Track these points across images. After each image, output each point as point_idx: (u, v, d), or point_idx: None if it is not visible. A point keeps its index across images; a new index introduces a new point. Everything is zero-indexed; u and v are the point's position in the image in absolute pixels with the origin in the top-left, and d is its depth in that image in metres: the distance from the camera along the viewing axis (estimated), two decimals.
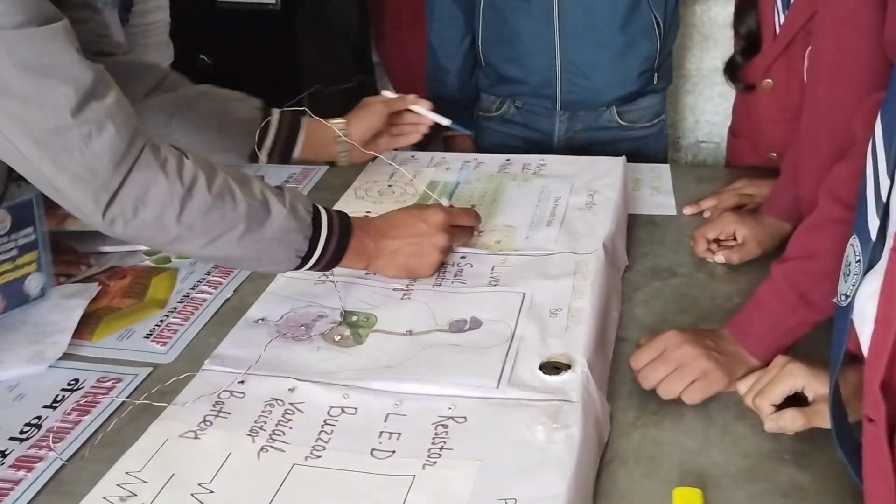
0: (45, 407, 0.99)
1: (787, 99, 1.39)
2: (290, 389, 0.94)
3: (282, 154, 1.34)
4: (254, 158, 1.33)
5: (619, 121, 1.76)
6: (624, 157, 1.49)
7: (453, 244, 1.18)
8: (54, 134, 0.85)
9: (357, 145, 1.40)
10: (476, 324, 1.05)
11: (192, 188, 0.92)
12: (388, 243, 1.12)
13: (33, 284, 1.12)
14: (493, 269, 1.18)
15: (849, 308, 0.75)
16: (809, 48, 1.12)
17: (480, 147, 1.83)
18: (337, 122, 1.39)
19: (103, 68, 0.90)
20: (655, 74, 1.76)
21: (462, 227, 1.20)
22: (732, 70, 1.52)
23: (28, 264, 1.11)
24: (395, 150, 1.55)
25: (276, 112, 1.35)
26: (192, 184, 0.92)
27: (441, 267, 1.17)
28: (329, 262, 1.06)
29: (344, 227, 1.06)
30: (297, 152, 1.35)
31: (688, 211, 1.40)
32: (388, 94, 1.46)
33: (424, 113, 1.45)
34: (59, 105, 0.85)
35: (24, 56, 0.83)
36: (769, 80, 1.45)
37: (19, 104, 0.84)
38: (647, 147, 1.80)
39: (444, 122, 1.48)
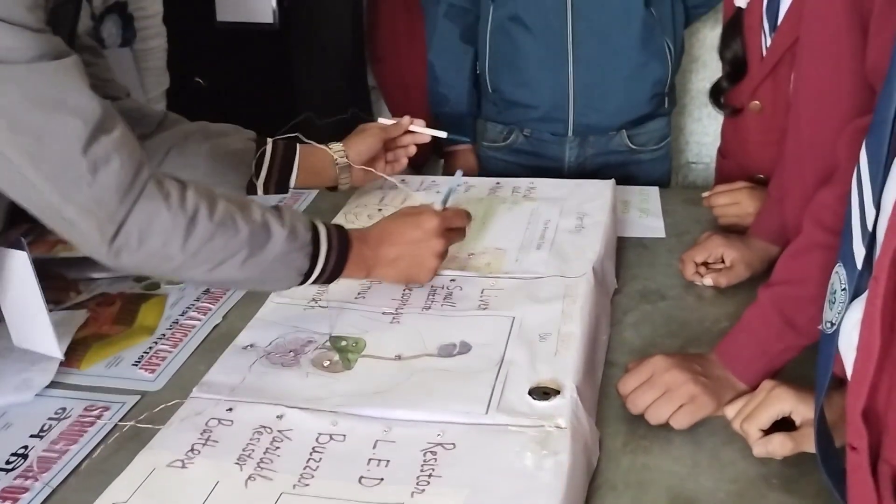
0: (32, 436, 0.98)
1: (775, 121, 1.40)
2: (278, 416, 0.94)
3: (278, 183, 1.33)
4: (251, 190, 1.32)
5: (630, 144, 1.77)
6: (613, 179, 1.50)
7: (448, 245, 1.20)
8: (64, 166, 0.87)
9: (364, 167, 1.40)
10: (465, 348, 1.05)
11: (194, 217, 0.94)
12: (386, 252, 1.14)
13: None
14: (482, 293, 1.18)
15: (834, 335, 0.75)
16: (793, 72, 1.13)
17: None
18: (335, 147, 1.40)
19: (110, 103, 0.92)
20: (666, 98, 1.77)
21: (455, 228, 1.22)
22: (717, 94, 1.53)
23: None
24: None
25: (269, 141, 1.35)
26: (194, 213, 0.94)
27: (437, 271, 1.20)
28: (330, 276, 1.08)
29: (342, 240, 1.08)
30: (294, 180, 1.35)
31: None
32: (385, 121, 1.47)
33: (421, 130, 1.46)
34: (69, 138, 0.86)
35: (36, 90, 0.85)
36: (756, 102, 1.46)
37: (30, 137, 0.85)
38: (654, 170, 1.81)
39: (441, 134, 1.49)
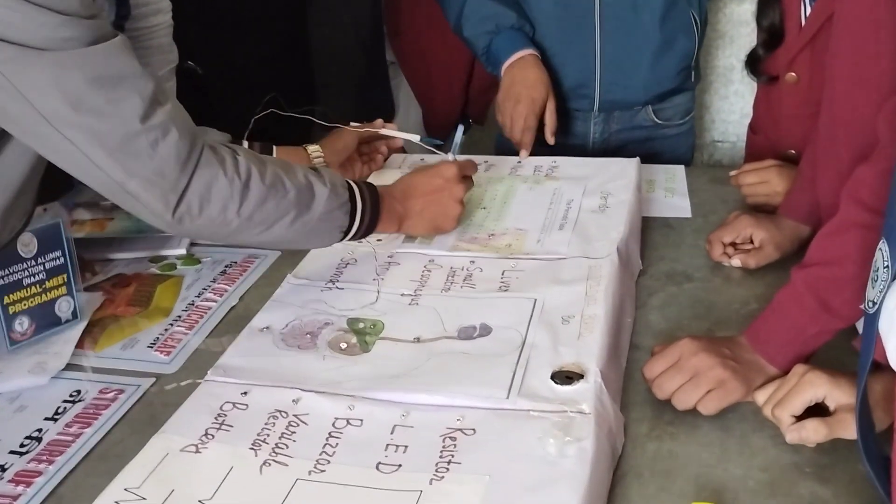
0: (46, 419, 0.97)
1: (811, 93, 1.35)
2: (294, 400, 0.92)
3: None
4: None
5: (655, 119, 1.73)
6: (637, 158, 1.46)
7: (466, 192, 1.26)
8: (125, 142, 0.90)
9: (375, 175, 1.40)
10: (486, 331, 1.03)
11: (248, 182, 0.98)
12: (413, 203, 1.19)
13: (64, 308, 1.11)
14: (503, 274, 1.15)
15: (876, 315, 0.72)
16: (830, 43, 1.09)
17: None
18: (312, 148, 1.40)
19: (158, 77, 0.95)
20: (692, 72, 1.73)
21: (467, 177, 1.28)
22: (754, 63, 1.48)
23: (57, 287, 1.10)
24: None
25: (244, 143, 1.34)
26: (247, 178, 0.98)
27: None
28: (366, 231, 1.13)
29: (374, 196, 1.13)
30: None
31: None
32: (356, 125, 1.45)
33: (393, 134, 1.47)
34: (128, 114, 0.90)
35: (96, 71, 0.88)
36: (793, 74, 1.41)
37: (93, 117, 0.89)
38: (678, 145, 1.77)
39: (414, 139, 1.47)
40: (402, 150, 1.73)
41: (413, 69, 2.04)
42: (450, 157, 1.28)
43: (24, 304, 1.07)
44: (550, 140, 1.61)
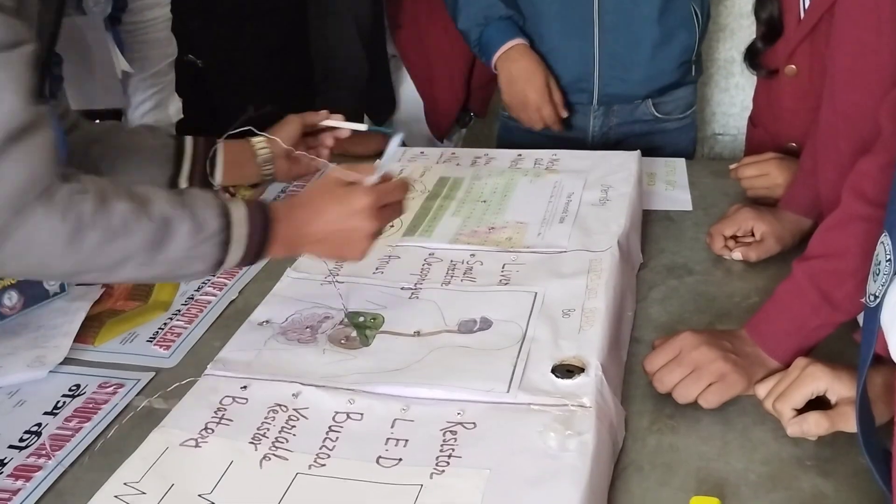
0: (46, 414, 0.97)
1: (811, 86, 1.34)
2: (294, 394, 0.92)
3: (203, 179, 1.26)
4: (174, 185, 1.25)
5: (655, 113, 1.72)
6: (638, 151, 1.45)
7: (388, 222, 1.10)
8: None
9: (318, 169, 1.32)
10: (486, 324, 1.02)
11: (81, 228, 0.88)
12: (314, 230, 1.05)
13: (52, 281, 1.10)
14: (503, 268, 1.15)
15: (877, 309, 0.71)
16: (830, 35, 1.08)
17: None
18: (256, 140, 1.32)
19: (46, 110, 0.88)
20: (693, 66, 1.72)
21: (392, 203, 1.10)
22: (753, 56, 1.47)
23: None
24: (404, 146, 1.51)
25: (189, 138, 1.28)
26: (84, 221, 0.88)
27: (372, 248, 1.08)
28: (252, 259, 1.01)
29: (263, 219, 1.00)
30: (218, 175, 1.28)
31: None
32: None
33: (339, 125, 1.38)
34: None
35: None
36: (792, 67, 1.40)
37: None
38: (679, 139, 1.76)
39: (361, 128, 1.40)
40: (403, 143, 1.72)
41: (414, 62, 2.03)
42: (371, 179, 1.07)
43: (13, 279, 1.07)
44: (564, 113, 1.65)
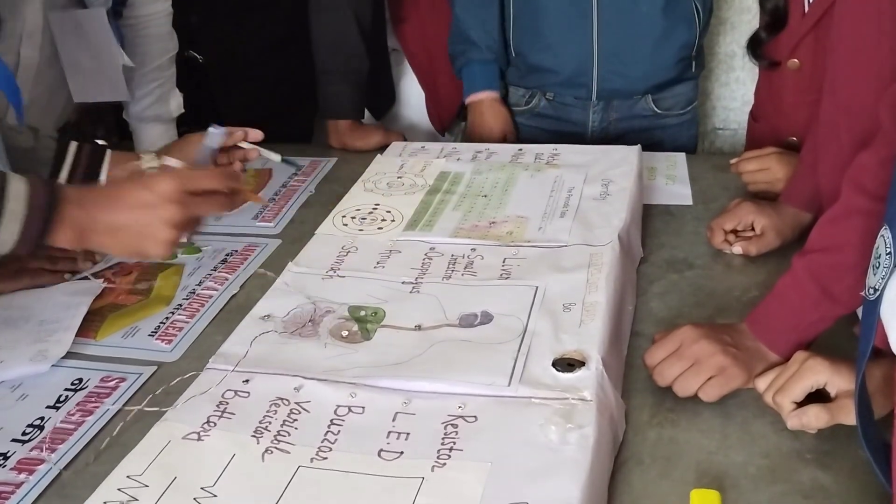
0: (48, 407, 0.97)
1: (813, 80, 1.34)
2: (295, 388, 0.92)
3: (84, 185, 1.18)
4: None
5: (655, 109, 1.72)
6: (639, 145, 1.46)
7: (203, 214, 1.02)
8: None
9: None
10: (487, 318, 1.03)
11: None
12: (107, 217, 0.95)
13: None
14: (504, 262, 1.15)
15: (877, 302, 0.72)
16: (832, 29, 1.08)
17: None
18: (146, 157, 1.25)
19: None
20: (693, 62, 1.72)
21: (215, 192, 1.02)
22: (756, 46, 1.47)
23: None
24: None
25: (73, 144, 1.22)
26: None
27: (180, 243, 1.00)
28: (32, 240, 0.92)
29: (48, 197, 0.92)
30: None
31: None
32: (214, 129, 1.26)
33: (251, 147, 1.31)
34: None
35: None
36: (795, 60, 1.40)
37: None
38: (680, 135, 1.76)
39: (274, 157, 1.36)
40: (404, 137, 1.73)
41: (417, 56, 2.03)
42: (171, 161, 1.01)
43: None
44: None
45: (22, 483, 0.86)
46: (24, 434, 0.93)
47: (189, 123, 1.58)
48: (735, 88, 2.12)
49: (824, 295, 0.92)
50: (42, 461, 0.88)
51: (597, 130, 1.74)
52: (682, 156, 1.57)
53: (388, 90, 2.04)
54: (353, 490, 0.79)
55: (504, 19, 1.73)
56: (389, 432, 0.85)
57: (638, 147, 1.45)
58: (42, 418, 0.95)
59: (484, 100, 1.77)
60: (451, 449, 0.83)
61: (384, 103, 2.04)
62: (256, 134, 1.30)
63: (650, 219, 1.35)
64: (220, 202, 1.01)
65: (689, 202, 1.40)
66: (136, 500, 0.78)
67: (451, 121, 2.07)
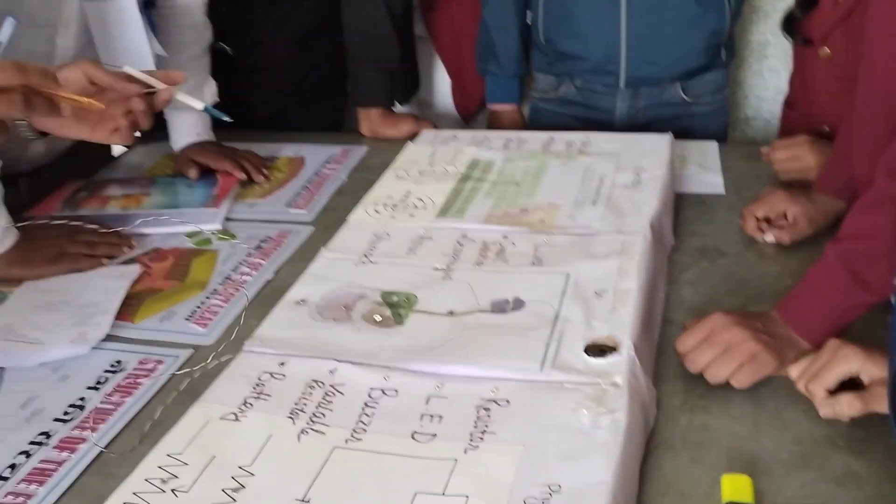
0: (89, 388, 0.99)
1: (845, 69, 1.34)
2: (330, 371, 0.93)
3: None
4: None
5: (683, 96, 1.71)
6: (670, 133, 1.45)
7: None
8: None
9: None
10: (519, 304, 1.03)
11: None
12: None
13: None
14: (536, 249, 1.15)
15: None
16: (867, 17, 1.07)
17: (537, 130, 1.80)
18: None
19: None
20: (723, 49, 1.71)
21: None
22: (790, 24, 1.46)
23: None
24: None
25: None
26: None
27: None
28: None
29: None
30: None
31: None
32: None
33: (166, 88, 1.13)
34: None
35: None
36: (827, 49, 1.39)
37: None
38: (709, 123, 1.75)
39: (197, 105, 1.20)
40: (435, 125, 1.73)
41: (444, 43, 2.04)
42: None
43: None
44: None
45: (64, 461, 0.88)
46: (65, 414, 0.95)
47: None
48: (768, 77, 2.10)
49: (856, 282, 0.92)
50: (83, 440, 0.91)
51: (624, 118, 1.74)
52: (713, 144, 1.56)
53: (413, 75, 2.04)
54: (386, 471, 0.80)
55: (534, 6, 1.73)
56: (423, 415, 0.87)
57: (669, 135, 1.44)
58: (83, 399, 0.97)
59: (503, 112, 1.86)
60: (483, 432, 0.84)
61: (409, 88, 2.05)
62: (177, 76, 1.17)
63: (682, 207, 1.35)
64: (12, 101, 0.88)
65: (722, 191, 1.40)
66: (176, 477, 0.80)
67: (476, 109, 2.08)
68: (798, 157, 1.36)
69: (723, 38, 1.69)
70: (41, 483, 0.85)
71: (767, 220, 1.24)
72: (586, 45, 1.68)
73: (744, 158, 1.50)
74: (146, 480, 0.80)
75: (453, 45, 2.01)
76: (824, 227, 1.21)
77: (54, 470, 0.87)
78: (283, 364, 0.95)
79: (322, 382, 0.92)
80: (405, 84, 2.01)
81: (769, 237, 1.22)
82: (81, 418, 0.94)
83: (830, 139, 1.30)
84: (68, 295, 1.16)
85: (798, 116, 1.53)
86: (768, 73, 2.09)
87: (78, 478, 0.86)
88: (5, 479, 0.85)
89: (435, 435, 0.84)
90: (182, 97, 1.18)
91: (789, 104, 1.60)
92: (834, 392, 0.87)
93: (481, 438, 0.83)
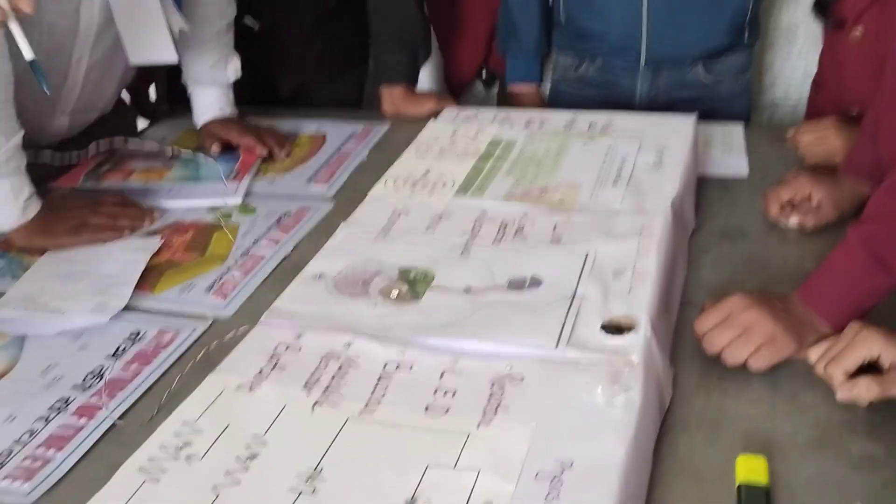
0: (108, 357, 1.00)
1: (876, 50, 1.31)
2: (346, 344, 0.94)
3: None
4: None
5: (706, 77, 1.69)
6: (695, 114, 1.44)
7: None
8: None
9: None
10: (536, 282, 1.03)
11: None
12: None
13: None
14: (555, 227, 1.15)
15: None
16: None
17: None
18: None
19: None
20: (746, 30, 1.69)
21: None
22: (822, 5, 1.44)
23: None
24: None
25: None
26: None
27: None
28: None
29: None
30: None
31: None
32: None
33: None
34: None
35: None
36: (857, 31, 1.37)
37: None
38: (731, 105, 1.73)
39: (28, 54, 1.06)
40: (457, 103, 1.72)
41: (437, 18, 2.02)
42: None
43: None
44: None
45: (82, 427, 0.89)
46: (84, 381, 0.96)
47: (242, 89, 1.61)
48: (797, 61, 2.07)
49: (878, 265, 0.91)
50: (100, 407, 0.92)
51: (644, 99, 1.72)
52: (738, 126, 1.54)
53: (427, 50, 2.03)
54: (399, 443, 0.80)
55: None
56: (437, 390, 0.87)
57: (693, 116, 1.43)
58: (102, 367, 0.98)
59: (525, 94, 1.85)
60: (497, 407, 0.83)
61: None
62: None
63: (704, 189, 1.33)
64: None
65: (745, 174, 1.38)
66: (191, 444, 0.80)
67: (465, 86, 2.07)
68: (824, 139, 1.34)
69: (746, 18, 1.66)
70: (59, 448, 0.86)
71: (791, 204, 1.22)
72: (607, 22, 1.66)
73: (769, 141, 1.48)
74: (161, 447, 0.81)
75: (447, 20, 1.99)
76: (849, 211, 1.19)
77: (72, 435, 0.88)
78: (299, 337, 0.96)
79: (338, 355, 0.92)
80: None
81: (793, 221, 1.21)
82: (100, 386, 0.95)
83: (858, 122, 1.28)
84: (89, 265, 1.17)
85: (826, 98, 1.51)
86: (797, 56, 2.06)
87: (95, 444, 0.87)
88: (24, 443, 0.87)
89: (448, 409, 0.84)
90: (17, 34, 1.05)
91: (818, 83, 1.58)
92: (852, 376, 0.86)
93: (494, 414, 0.83)
